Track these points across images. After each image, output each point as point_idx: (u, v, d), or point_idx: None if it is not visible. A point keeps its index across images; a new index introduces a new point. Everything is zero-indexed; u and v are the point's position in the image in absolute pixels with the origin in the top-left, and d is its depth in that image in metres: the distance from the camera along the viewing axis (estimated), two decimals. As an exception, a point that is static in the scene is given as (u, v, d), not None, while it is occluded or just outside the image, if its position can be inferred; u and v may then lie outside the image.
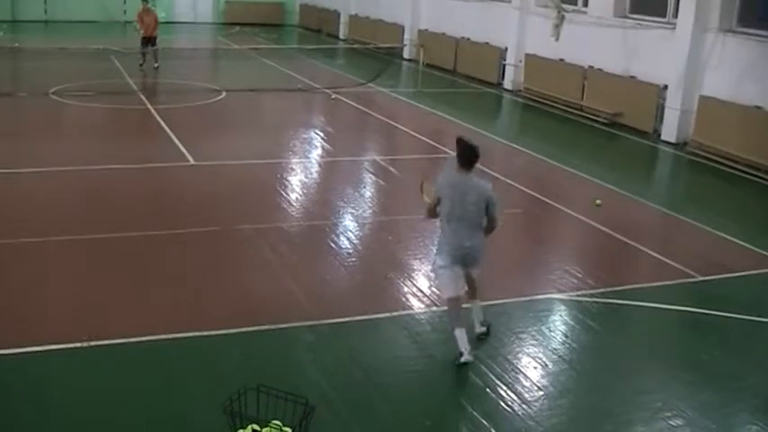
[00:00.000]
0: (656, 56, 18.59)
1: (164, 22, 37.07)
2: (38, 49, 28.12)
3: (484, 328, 8.03)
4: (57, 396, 6.72)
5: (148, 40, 24.37)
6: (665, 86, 18.19)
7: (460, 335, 7.51)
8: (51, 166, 13.64)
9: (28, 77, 23.85)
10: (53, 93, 19.67)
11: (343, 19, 35.40)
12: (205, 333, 7.83)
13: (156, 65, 24.37)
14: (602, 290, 9.46)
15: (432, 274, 8.64)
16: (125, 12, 34.10)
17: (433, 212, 7.81)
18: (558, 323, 8.67)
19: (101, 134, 16.64)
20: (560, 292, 9.37)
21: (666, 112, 18.08)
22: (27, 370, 7.10)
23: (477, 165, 7.59)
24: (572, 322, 8.69)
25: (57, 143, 15.51)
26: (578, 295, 9.28)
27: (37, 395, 6.69)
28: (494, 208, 7.57)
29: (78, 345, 7.45)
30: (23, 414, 6.42)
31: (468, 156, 7.53)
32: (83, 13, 36.19)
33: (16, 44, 29.56)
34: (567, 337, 8.28)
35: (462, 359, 7.43)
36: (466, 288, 7.80)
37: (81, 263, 9.57)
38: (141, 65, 24.24)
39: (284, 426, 5.81)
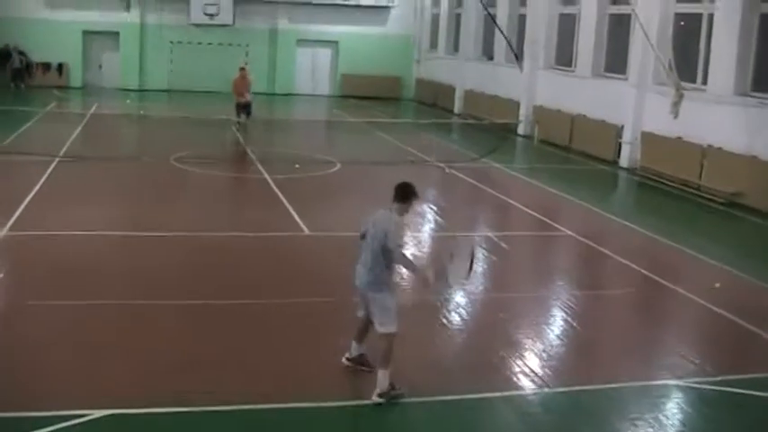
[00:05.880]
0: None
1: (285, 94, 38.48)
2: (162, 117, 29.35)
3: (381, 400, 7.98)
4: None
5: (242, 107, 24.39)
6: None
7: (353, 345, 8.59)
8: (169, 230, 14.12)
9: (152, 143, 24.79)
10: (174, 159, 20.41)
11: (459, 94, 35.74)
12: (315, 405, 7.88)
13: (245, 121, 24.57)
14: (721, 377, 9.11)
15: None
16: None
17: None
18: (675, 411, 8.39)
19: (218, 201, 17.21)
20: (677, 377, 9.09)
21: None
22: (142, 429, 7.30)
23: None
24: (690, 410, 8.41)
25: (175, 208, 16.05)
26: (696, 382, 8.97)
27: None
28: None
29: (192, 409, 7.62)
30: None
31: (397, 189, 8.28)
32: (204, 83, 37.54)
33: (141, 112, 30.94)
34: (684, 425, 8.01)
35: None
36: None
37: (195, 327, 9.81)
38: (237, 130, 24.47)
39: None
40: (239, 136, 24.41)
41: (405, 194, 8.21)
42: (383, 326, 8.02)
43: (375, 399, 7.86)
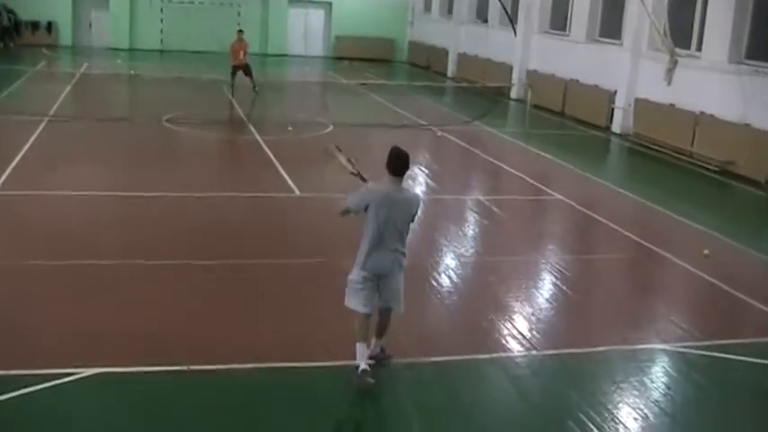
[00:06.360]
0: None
1: (277, 55, 38.27)
2: (153, 78, 29.18)
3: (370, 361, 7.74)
4: (159, 414, 6.92)
5: (238, 69, 24.94)
6: (782, 135, 17.69)
7: (362, 349, 7.56)
8: (159, 191, 14.06)
9: (143, 104, 24.74)
10: (166, 120, 20.31)
11: (452, 57, 35.60)
12: (303, 364, 7.92)
13: (255, 89, 25.13)
14: (707, 342, 9.17)
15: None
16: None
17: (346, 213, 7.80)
18: (661, 374, 8.45)
19: (209, 162, 17.18)
20: (664, 342, 9.15)
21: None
22: (131, 387, 7.33)
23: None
24: (675, 374, 8.47)
25: (166, 169, 15.99)
26: (683, 346, 9.03)
27: (141, 412, 6.90)
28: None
29: (181, 368, 7.65)
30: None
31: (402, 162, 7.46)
32: (197, 44, 37.34)
33: (132, 72, 30.72)
34: (669, 389, 8.06)
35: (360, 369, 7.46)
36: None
37: (187, 288, 9.82)
38: (232, 94, 24.82)
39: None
40: (231, 98, 24.33)
41: (408, 166, 7.55)
42: (400, 305, 7.73)
43: None
